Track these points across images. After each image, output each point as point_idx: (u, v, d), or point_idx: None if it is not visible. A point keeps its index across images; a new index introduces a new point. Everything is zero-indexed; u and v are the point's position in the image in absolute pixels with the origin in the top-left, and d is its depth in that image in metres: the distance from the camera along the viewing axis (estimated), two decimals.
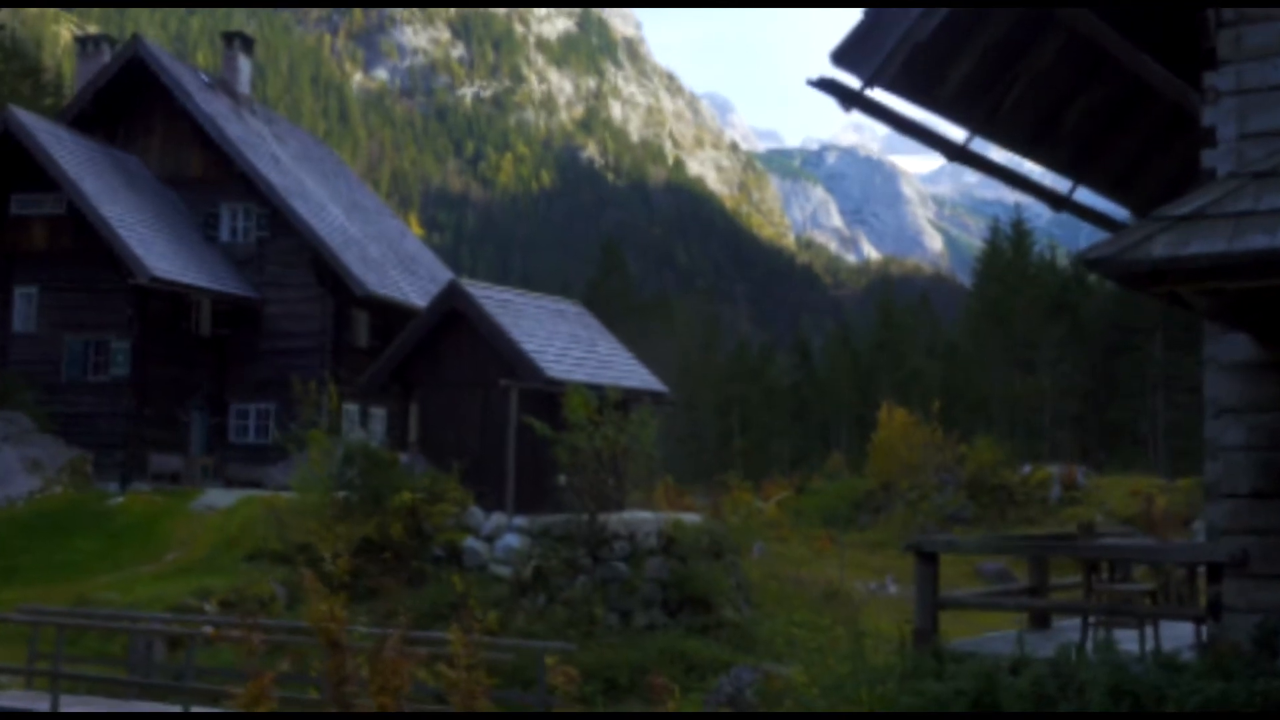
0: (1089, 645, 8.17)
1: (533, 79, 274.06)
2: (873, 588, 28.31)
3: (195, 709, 13.97)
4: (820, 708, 8.37)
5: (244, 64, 37.82)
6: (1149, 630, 8.54)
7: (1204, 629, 7.98)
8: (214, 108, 34.44)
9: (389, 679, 6.66)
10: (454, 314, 24.85)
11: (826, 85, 7.53)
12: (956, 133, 8.84)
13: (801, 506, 39.66)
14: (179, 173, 34.71)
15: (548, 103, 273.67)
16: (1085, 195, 10.82)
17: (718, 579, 22.74)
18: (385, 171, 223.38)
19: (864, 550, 33.32)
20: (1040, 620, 9.94)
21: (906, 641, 8.47)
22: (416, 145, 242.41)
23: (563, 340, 25.67)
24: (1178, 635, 8.89)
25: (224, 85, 37.02)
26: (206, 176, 34.44)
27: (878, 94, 7.96)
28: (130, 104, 34.85)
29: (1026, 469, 39.11)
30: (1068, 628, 9.71)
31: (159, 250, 30.87)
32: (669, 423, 70.53)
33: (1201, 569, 9.13)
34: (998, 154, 10.07)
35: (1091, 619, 8.80)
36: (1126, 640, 8.50)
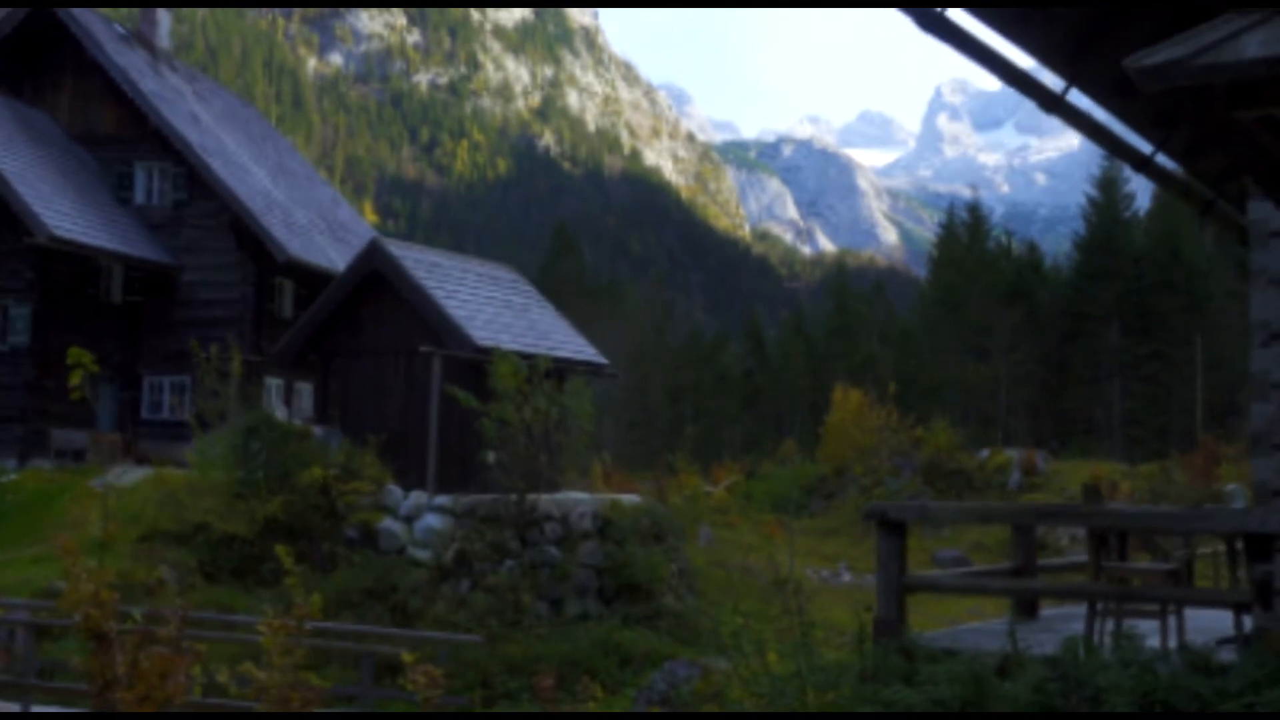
0: (1096, 640, 6.42)
1: (489, 66, 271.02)
2: (825, 576, 26.71)
3: (36, 709, 12.03)
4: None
5: (164, 16, 35.43)
6: (1170, 621, 6.79)
7: (1246, 619, 6.26)
8: (128, 60, 32.10)
9: (153, 683, 4.88)
10: (375, 276, 22.92)
11: None
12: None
13: (751, 491, 38.02)
14: (90, 130, 32.31)
15: (504, 90, 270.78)
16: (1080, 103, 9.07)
17: (658, 565, 20.99)
18: (339, 158, 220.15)
19: (816, 537, 31.76)
20: (1026, 608, 8.20)
21: (866, 633, 6.69)
22: (371, 132, 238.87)
23: (494, 306, 23.79)
24: (1196, 627, 7.16)
25: (141, 38, 34.62)
26: (120, 134, 32.06)
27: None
28: (38, 57, 32.43)
29: (984, 454, 37.71)
30: (1058, 617, 7.99)
31: (62, 209, 28.61)
32: (619, 408, 69.01)
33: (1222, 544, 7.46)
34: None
35: (1098, 606, 7.02)
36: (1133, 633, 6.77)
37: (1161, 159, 9.32)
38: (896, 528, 6.78)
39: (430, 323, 22.05)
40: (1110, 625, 6.76)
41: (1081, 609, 8.04)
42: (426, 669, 5.92)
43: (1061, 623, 7.55)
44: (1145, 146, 9.40)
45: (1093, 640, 6.18)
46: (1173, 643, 6.57)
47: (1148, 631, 6.86)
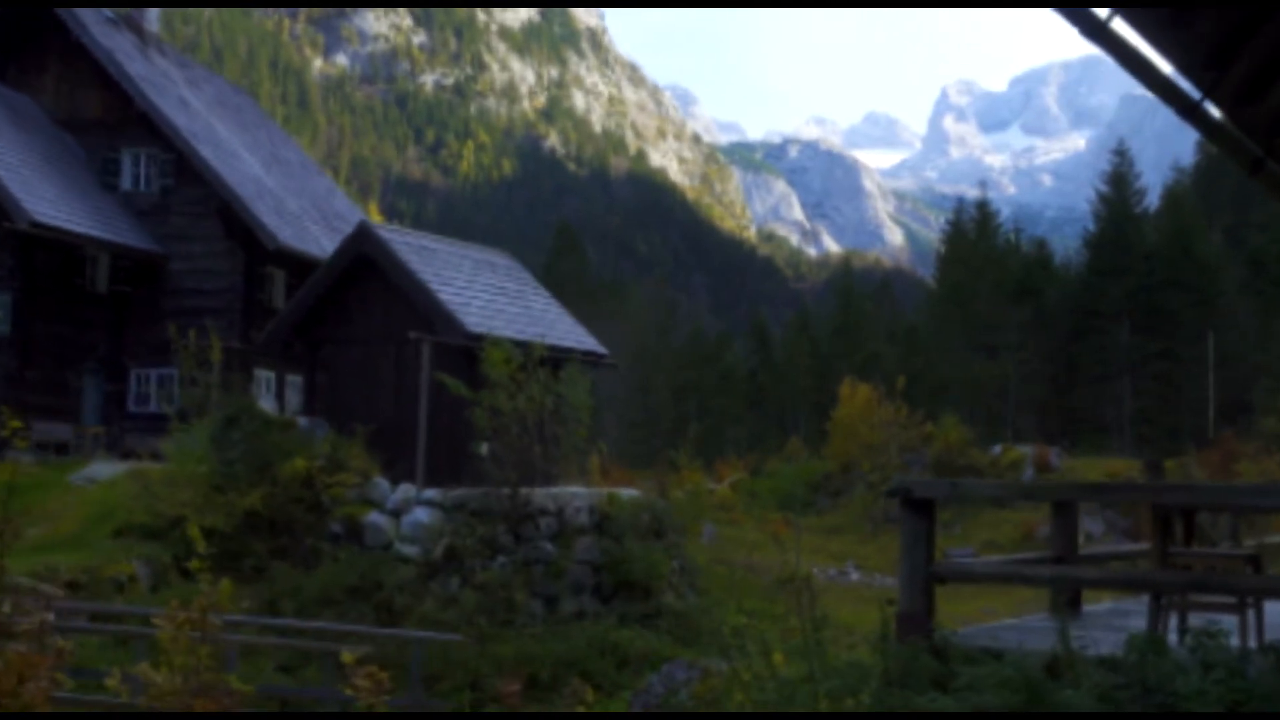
0: (1161, 638, 5.45)
1: (494, 67, 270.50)
2: (832, 574, 25.76)
3: None
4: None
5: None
6: (1250, 616, 5.81)
7: None
8: (114, 43, 31.18)
9: (7, 687, 3.98)
10: (365, 261, 21.97)
11: None
12: None
13: (756, 489, 37.05)
14: (76, 115, 31.36)
15: (509, 91, 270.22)
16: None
17: (658, 562, 20.02)
18: (344, 158, 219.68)
19: (822, 535, 30.84)
20: (1067, 603, 7.23)
21: (889, 630, 5.72)
22: (376, 132, 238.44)
23: (488, 292, 22.83)
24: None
25: (129, 21, 33.68)
26: (107, 119, 31.11)
27: None
28: (22, 39, 31.53)
29: (997, 450, 36.71)
30: (1105, 612, 7.04)
31: (45, 195, 27.70)
32: (622, 407, 68.05)
33: None
34: None
35: (1163, 599, 6.04)
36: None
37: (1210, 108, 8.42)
38: (923, 508, 5.83)
39: (421, 309, 21.12)
40: (1174, 621, 5.83)
41: (1128, 604, 7.08)
42: (370, 670, 4.98)
43: (1110, 618, 6.62)
44: (1193, 93, 8.49)
45: (1161, 638, 5.24)
46: (1250, 641, 5.62)
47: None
